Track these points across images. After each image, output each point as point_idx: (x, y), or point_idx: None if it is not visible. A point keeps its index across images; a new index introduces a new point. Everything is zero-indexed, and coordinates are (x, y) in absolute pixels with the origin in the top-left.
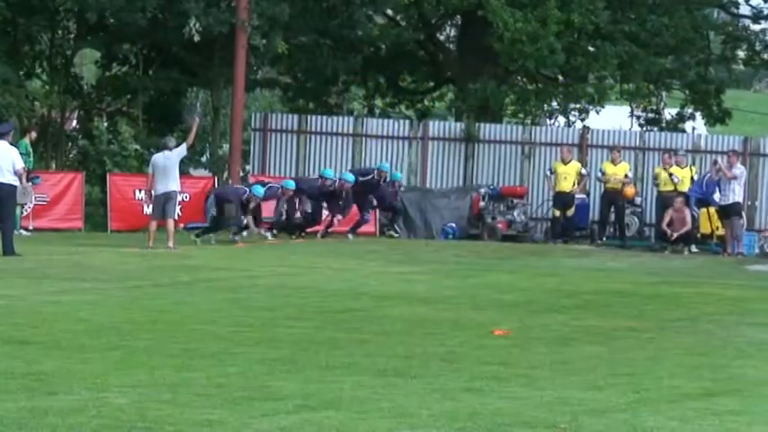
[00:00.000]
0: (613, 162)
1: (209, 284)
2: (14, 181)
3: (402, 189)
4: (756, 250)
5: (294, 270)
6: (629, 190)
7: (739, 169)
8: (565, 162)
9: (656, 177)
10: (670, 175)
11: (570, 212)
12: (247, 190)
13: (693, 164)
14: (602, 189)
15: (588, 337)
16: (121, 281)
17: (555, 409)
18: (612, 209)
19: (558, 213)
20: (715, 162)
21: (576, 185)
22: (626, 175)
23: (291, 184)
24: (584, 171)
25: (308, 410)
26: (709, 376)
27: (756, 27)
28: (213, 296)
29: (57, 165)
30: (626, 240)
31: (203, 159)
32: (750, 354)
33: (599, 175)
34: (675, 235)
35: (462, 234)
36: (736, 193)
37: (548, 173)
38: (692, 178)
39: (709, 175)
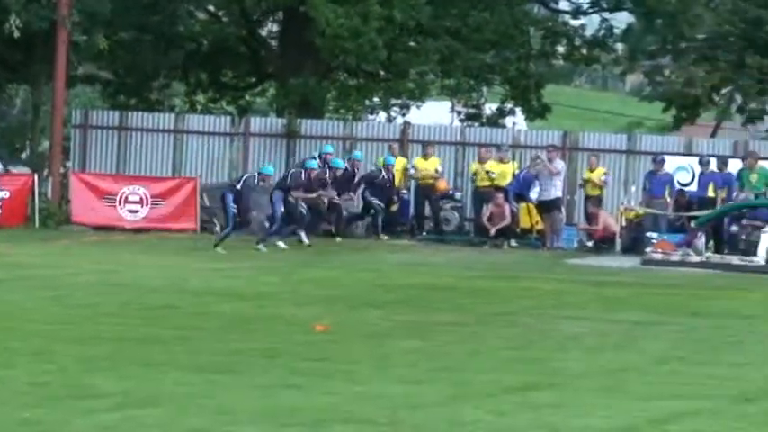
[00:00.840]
0: (425, 157)
1: (28, 282)
2: None
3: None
4: (575, 244)
5: (117, 267)
6: (441, 184)
7: (560, 164)
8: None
9: (474, 173)
10: (487, 171)
11: (394, 208)
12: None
13: (514, 159)
14: (416, 185)
15: (408, 331)
16: None
17: (375, 404)
18: (428, 204)
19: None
20: (537, 157)
21: (401, 181)
22: (436, 170)
23: (340, 164)
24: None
25: (129, 407)
26: (528, 370)
27: (576, 22)
28: (32, 293)
29: None
30: (445, 235)
31: (23, 156)
32: (568, 347)
33: (411, 171)
34: (494, 230)
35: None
36: (557, 188)
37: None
38: (513, 174)
39: (525, 170)
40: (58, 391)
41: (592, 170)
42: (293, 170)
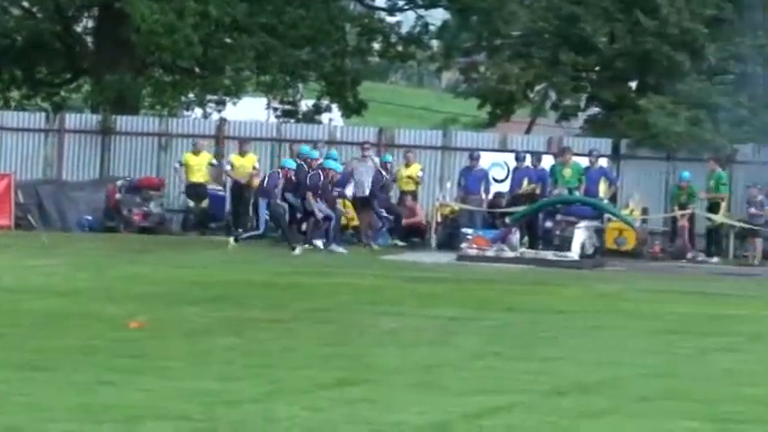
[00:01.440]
0: (242, 154)
1: None
2: None
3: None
4: (390, 240)
5: None
6: (257, 182)
7: (375, 161)
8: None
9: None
10: None
11: (204, 204)
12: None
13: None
14: (232, 182)
15: (224, 328)
16: None
17: (191, 401)
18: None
19: (192, 204)
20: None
21: (208, 177)
22: (254, 167)
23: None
24: (214, 162)
25: None
26: (344, 366)
27: (391, 19)
28: None
29: None
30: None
31: None
32: (384, 342)
33: (227, 167)
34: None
35: (99, 226)
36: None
37: (176, 165)
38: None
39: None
40: None
41: (408, 166)
42: (312, 173)
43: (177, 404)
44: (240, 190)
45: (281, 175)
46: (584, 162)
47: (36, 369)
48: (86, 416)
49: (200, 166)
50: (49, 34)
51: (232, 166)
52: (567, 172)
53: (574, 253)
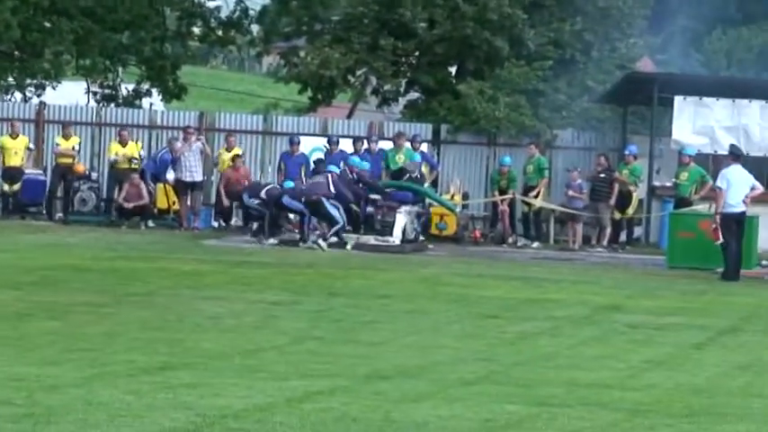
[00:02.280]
0: (65, 137)
1: None
2: None
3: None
4: (214, 224)
5: None
6: (79, 166)
7: (200, 144)
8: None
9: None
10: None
11: (16, 187)
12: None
13: (150, 140)
14: (54, 164)
15: (45, 312)
16: None
17: (10, 386)
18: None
19: (6, 188)
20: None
21: (24, 160)
22: (73, 148)
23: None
24: (31, 146)
25: None
26: (166, 350)
27: (211, 4)
28: None
29: None
30: (82, 216)
31: None
32: (206, 328)
33: (57, 149)
34: (132, 205)
35: None
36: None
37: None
38: (139, 154)
39: (164, 150)
40: None
41: (229, 150)
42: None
43: None
44: (62, 173)
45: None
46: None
47: None
48: None
49: (17, 150)
50: None
51: (58, 146)
52: (401, 158)
53: (395, 238)
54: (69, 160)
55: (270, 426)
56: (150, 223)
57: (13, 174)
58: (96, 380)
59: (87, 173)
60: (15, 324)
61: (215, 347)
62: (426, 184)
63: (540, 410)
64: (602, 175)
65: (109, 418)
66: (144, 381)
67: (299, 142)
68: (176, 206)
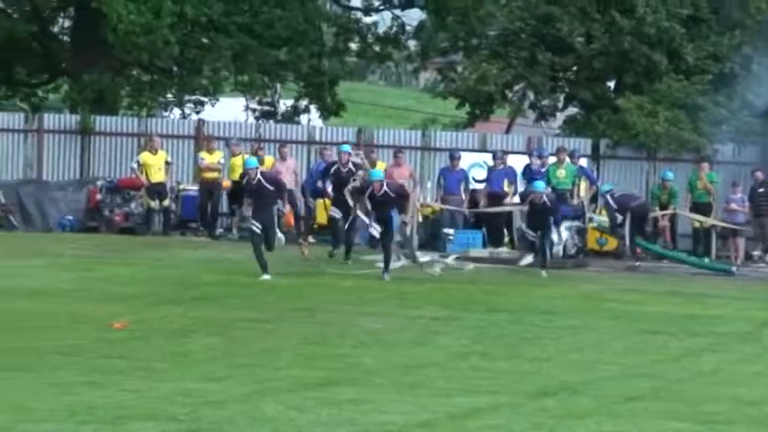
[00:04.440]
0: (210, 151)
1: None
2: None
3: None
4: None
5: None
6: (226, 182)
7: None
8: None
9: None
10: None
11: (166, 203)
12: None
13: (309, 156)
14: (200, 179)
15: (207, 328)
16: None
17: (175, 401)
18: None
19: (153, 204)
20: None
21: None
22: (218, 162)
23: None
24: (169, 159)
25: None
26: (327, 366)
27: (368, 19)
28: None
29: None
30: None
31: None
32: (366, 343)
33: (202, 163)
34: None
35: (80, 227)
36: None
37: (134, 165)
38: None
39: (318, 163)
40: None
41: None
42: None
43: (162, 405)
44: (210, 187)
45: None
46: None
47: (19, 370)
48: (71, 416)
49: (160, 165)
50: (26, 35)
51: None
52: (561, 173)
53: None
54: (215, 175)
55: None
56: (311, 239)
57: (159, 190)
58: (259, 395)
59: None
60: (179, 340)
61: (376, 363)
62: (585, 200)
63: (706, 428)
64: (761, 190)
65: None
66: (307, 396)
67: (459, 157)
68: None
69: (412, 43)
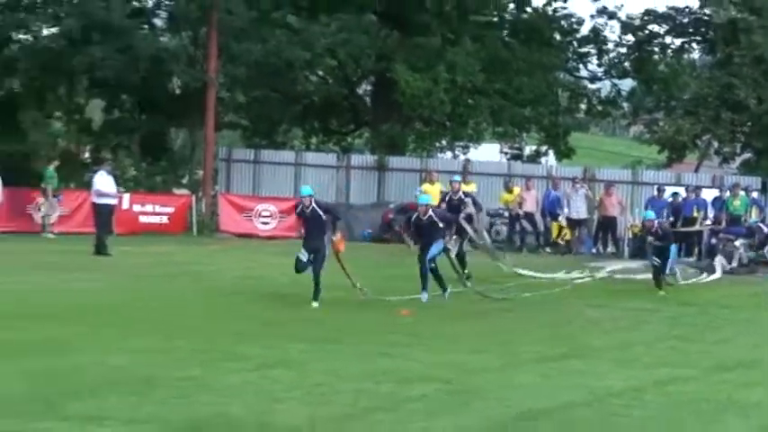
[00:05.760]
0: (465, 182)
1: (188, 275)
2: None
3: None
4: (593, 250)
5: (252, 265)
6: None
7: (584, 189)
8: (431, 183)
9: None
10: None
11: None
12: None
13: (547, 187)
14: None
15: (473, 316)
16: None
17: (447, 369)
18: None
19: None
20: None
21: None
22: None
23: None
24: (443, 189)
25: (265, 369)
26: (561, 344)
27: (593, 86)
28: (191, 285)
29: (75, 185)
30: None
31: (184, 181)
32: (589, 328)
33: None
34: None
35: (376, 238)
36: (584, 209)
37: (417, 192)
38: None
39: (549, 191)
40: (213, 355)
41: (608, 195)
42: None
43: (438, 371)
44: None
45: None
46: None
47: (328, 342)
48: (369, 378)
49: (435, 193)
50: (339, 96)
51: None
52: (737, 203)
53: (734, 262)
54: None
55: (642, 402)
56: (547, 249)
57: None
58: (512, 366)
59: (502, 211)
60: (450, 324)
61: (599, 343)
62: (758, 221)
63: None
64: None
65: (523, 397)
66: (550, 367)
67: (663, 190)
68: (567, 236)
69: (625, 104)
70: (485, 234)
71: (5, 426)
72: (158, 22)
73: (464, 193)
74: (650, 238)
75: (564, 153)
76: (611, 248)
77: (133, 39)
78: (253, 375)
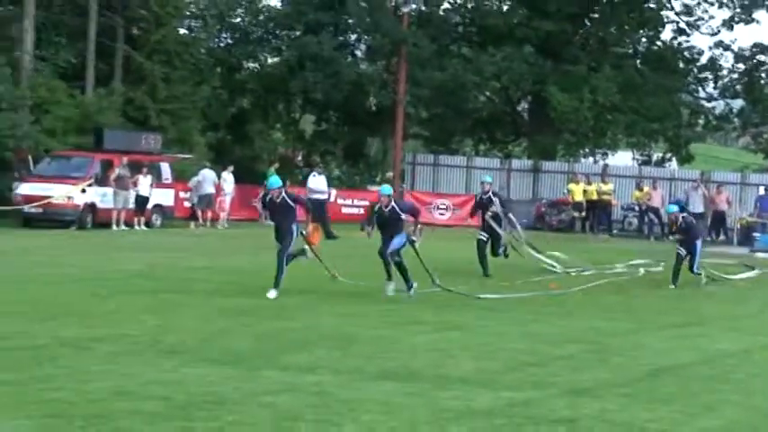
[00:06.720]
0: (604, 182)
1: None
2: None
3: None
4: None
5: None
6: (614, 200)
7: (702, 189)
8: (577, 183)
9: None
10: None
11: (583, 214)
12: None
13: (671, 187)
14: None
15: (612, 292)
16: None
17: (587, 333)
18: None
19: (575, 214)
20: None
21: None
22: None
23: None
24: (587, 188)
25: (443, 331)
26: (684, 314)
27: (709, 105)
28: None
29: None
30: (629, 233)
31: (377, 180)
32: (704, 301)
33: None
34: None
35: (531, 226)
36: (701, 205)
37: (565, 191)
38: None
39: (685, 195)
40: (399, 319)
41: (719, 194)
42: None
43: (580, 334)
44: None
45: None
46: None
47: (493, 310)
48: (527, 339)
49: (579, 191)
50: (502, 112)
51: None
52: None
53: None
54: (607, 197)
55: (751, 361)
56: (671, 237)
57: (579, 207)
58: (642, 330)
59: (634, 206)
60: (589, 297)
61: (714, 312)
62: None
63: None
64: None
65: (651, 356)
66: (671, 333)
67: None
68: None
69: (736, 120)
70: (520, 231)
71: (236, 373)
72: (359, 53)
73: (493, 192)
74: (674, 233)
75: (685, 159)
76: (722, 237)
77: (339, 66)
78: (432, 336)
